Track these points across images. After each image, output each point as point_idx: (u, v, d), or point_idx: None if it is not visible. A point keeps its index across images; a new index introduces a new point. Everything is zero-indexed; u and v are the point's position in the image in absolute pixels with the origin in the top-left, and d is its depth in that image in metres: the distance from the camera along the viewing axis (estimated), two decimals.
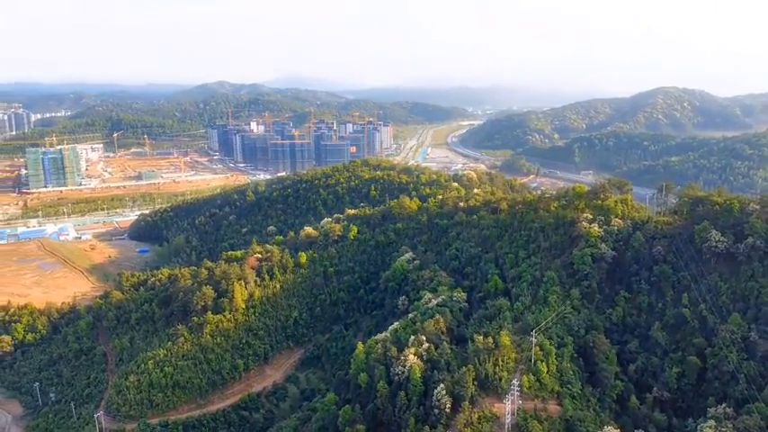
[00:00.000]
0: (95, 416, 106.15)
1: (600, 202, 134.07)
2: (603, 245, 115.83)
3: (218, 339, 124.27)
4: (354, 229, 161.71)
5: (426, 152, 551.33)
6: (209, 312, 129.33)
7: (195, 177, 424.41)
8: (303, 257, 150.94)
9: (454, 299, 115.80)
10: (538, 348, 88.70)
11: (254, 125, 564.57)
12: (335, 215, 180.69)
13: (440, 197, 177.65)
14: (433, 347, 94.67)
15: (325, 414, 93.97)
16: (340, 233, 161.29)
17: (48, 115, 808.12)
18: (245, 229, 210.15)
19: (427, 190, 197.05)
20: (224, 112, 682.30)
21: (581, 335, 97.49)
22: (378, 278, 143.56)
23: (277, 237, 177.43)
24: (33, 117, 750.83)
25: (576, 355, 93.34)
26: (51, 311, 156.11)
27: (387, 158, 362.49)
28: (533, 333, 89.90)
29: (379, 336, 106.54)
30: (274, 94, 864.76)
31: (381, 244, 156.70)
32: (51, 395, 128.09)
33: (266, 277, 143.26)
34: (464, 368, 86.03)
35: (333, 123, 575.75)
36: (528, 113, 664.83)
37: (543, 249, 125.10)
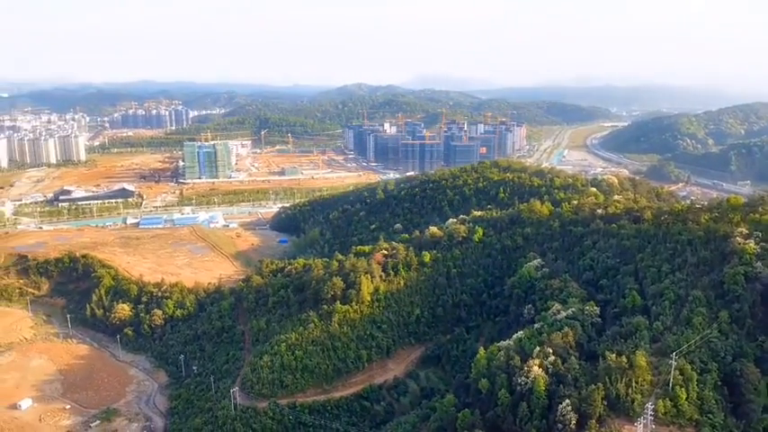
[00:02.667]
0: (231, 391, 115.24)
1: (758, 216, 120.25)
2: (759, 263, 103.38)
3: (345, 329, 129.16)
4: (480, 231, 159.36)
5: (562, 154, 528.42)
6: (338, 302, 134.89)
7: (331, 175, 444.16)
8: (427, 257, 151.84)
9: (586, 312, 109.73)
10: (677, 372, 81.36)
11: (387, 125, 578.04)
12: (461, 216, 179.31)
13: (575, 202, 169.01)
14: (559, 361, 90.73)
15: (444, 415, 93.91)
16: (465, 235, 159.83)
17: (204, 112, 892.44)
18: (373, 226, 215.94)
19: (561, 194, 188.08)
20: (360, 113, 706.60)
21: (727, 362, 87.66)
22: (502, 284, 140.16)
23: (403, 234, 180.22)
24: (191, 114, 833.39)
25: (720, 383, 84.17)
26: (199, 291, 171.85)
27: (518, 160, 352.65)
28: (673, 356, 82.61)
29: (503, 343, 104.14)
30: (408, 95, 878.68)
31: (508, 248, 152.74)
32: (194, 368, 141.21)
33: (391, 273, 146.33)
34: (593, 386, 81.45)
35: (464, 124, 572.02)
36: (679, 116, 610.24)
37: (690, 265, 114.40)
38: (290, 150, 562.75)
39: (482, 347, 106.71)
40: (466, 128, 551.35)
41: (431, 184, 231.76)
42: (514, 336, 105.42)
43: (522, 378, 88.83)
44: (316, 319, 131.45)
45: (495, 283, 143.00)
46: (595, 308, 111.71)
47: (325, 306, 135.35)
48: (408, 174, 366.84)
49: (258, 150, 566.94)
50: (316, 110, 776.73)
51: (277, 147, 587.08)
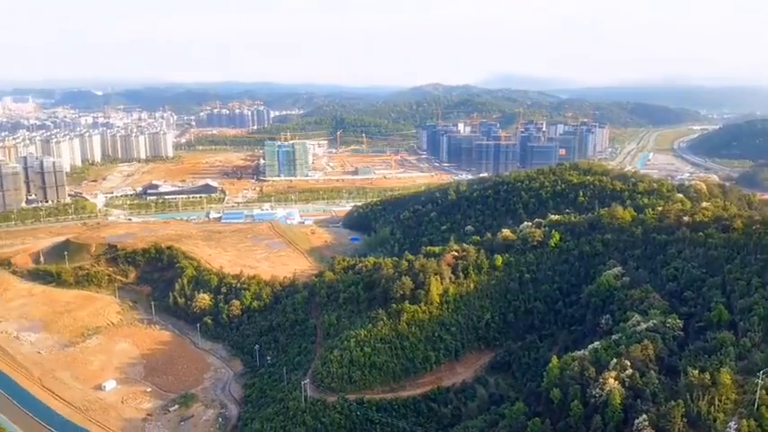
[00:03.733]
0: (302, 383, 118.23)
1: None
2: None
3: (413, 329, 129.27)
4: (556, 235, 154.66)
5: (647, 158, 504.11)
6: (407, 302, 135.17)
7: (403, 175, 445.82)
8: (499, 260, 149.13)
9: (667, 325, 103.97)
10: (764, 392, 75.63)
11: (461, 126, 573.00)
12: (536, 220, 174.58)
13: (659, 209, 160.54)
14: (637, 374, 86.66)
15: (513, 422, 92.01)
16: (540, 239, 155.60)
17: (284, 112, 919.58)
18: (444, 227, 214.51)
19: (645, 200, 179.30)
20: (435, 113, 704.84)
21: None
22: (579, 291, 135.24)
23: (474, 236, 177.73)
24: (272, 114, 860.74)
25: None
26: (275, 284, 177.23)
27: (599, 162, 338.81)
28: (760, 374, 76.86)
29: (577, 353, 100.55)
30: (484, 95, 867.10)
31: (586, 255, 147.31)
32: (268, 358, 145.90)
33: (461, 275, 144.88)
34: (672, 402, 77.25)
35: (542, 124, 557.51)
36: None
37: None
38: (364, 150, 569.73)
39: (555, 356, 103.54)
40: (544, 128, 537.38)
41: (505, 186, 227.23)
42: (590, 346, 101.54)
43: (597, 390, 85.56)
44: (384, 318, 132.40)
45: (572, 291, 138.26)
46: (678, 321, 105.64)
47: (393, 305, 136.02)
48: (482, 175, 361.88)
49: (334, 150, 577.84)
50: (390, 110, 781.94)
51: (352, 147, 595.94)
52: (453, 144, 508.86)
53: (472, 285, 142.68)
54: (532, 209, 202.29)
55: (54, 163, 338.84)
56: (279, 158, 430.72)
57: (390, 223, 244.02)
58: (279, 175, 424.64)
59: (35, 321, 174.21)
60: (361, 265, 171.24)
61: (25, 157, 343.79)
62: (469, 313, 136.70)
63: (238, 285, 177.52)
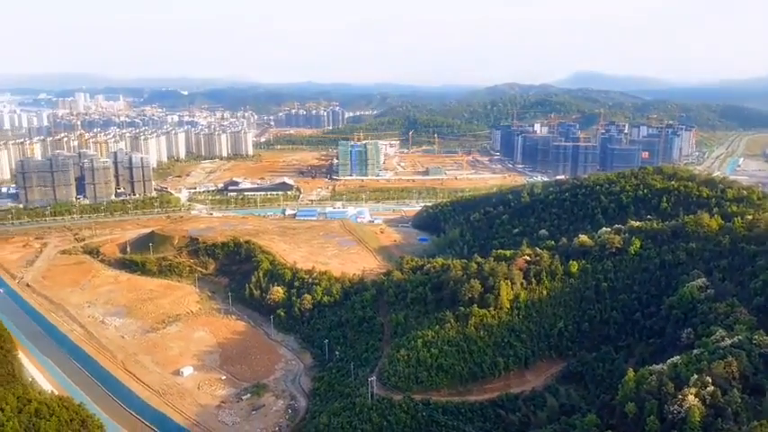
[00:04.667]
0: (369, 380, 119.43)
1: None
2: None
3: (482, 333, 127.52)
4: (637, 242, 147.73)
5: (736, 163, 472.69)
6: (476, 305, 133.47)
7: (475, 176, 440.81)
8: (574, 266, 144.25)
9: (754, 342, 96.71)
10: None
11: (537, 126, 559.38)
12: (615, 225, 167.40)
13: (749, 217, 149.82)
14: (719, 392, 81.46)
15: None
16: (619, 245, 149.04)
17: (358, 113, 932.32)
18: (516, 230, 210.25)
19: (733, 207, 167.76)
20: (509, 114, 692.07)
21: None
22: (659, 302, 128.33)
23: (548, 241, 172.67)
24: (347, 114, 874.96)
25: None
26: (344, 280, 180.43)
27: (685, 167, 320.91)
28: None
29: (655, 367, 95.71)
30: (563, 95, 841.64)
31: (668, 264, 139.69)
32: (336, 353, 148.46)
33: (533, 281, 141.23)
34: (756, 422, 72.28)
35: (624, 126, 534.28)
36: None
37: None
38: (436, 151, 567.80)
39: (631, 369, 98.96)
40: (626, 130, 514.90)
41: (583, 189, 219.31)
42: (669, 360, 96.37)
43: (675, 406, 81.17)
44: (452, 320, 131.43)
45: (651, 302, 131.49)
46: (766, 337, 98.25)
47: (462, 308, 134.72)
48: (558, 177, 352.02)
49: (405, 150, 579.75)
50: (463, 110, 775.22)
51: (423, 147, 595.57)
52: (528, 145, 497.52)
53: (545, 292, 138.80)
54: (612, 214, 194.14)
55: (142, 159, 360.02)
56: (351, 158, 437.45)
57: (460, 224, 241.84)
58: (351, 175, 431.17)
59: (120, 307, 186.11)
60: (429, 265, 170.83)
61: (115, 153, 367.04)
62: (541, 320, 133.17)
63: (310, 280, 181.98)
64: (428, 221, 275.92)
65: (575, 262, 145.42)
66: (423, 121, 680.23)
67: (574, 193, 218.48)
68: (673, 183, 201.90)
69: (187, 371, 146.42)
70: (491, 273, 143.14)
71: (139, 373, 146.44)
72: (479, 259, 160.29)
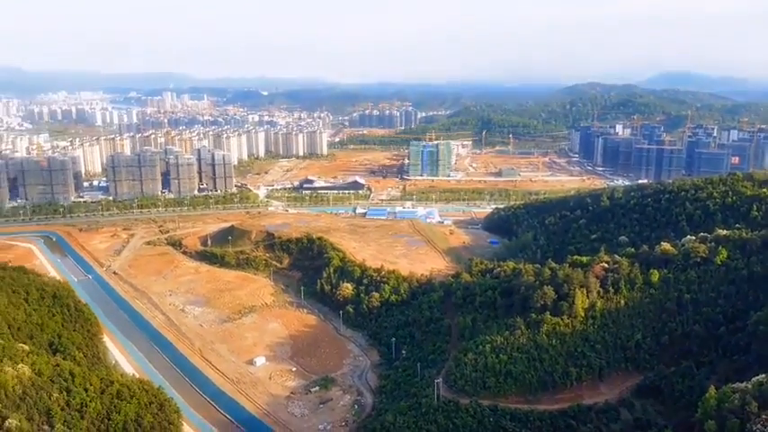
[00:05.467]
0: (435, 381, 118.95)
1: None
2: None
3: (554, 341, 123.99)
4: (723, 252, 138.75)
5: None
6: (548, 313, 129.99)
7: (551, 178, 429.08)
8: (655, 276, 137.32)
9: None
10: None
11: (619, 128, 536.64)
12: (701, 234, 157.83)
13: None
14: None
15: None
16: (704, 255, 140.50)
17: (431, 113, 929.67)
18: (593, 236, 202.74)
19: None
20: (590, 114, 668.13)
21: None
22: (746, 317, 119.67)
23: (628, 248, 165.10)
24: (420, 114, 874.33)
25: None
26: (412, 280, 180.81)
27: None
28: None
29: (739, 385, 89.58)
30: (647, 95, 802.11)
31: (757, 276, 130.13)
32: (403, 352, 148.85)
33: (610, 289, 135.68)
34: None
35: (713, 129, 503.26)
36: None
37: None
38: (510, 151, 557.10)
39: (713, 386, 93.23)
40: (715, 133, 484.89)
41: (667, 195, 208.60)
42: (754, 379, 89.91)
43: (759, 426, 75.98)
44: (523, 327, 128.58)
45: (737, 316, 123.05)
46: None
47: (533, 314, 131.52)
48: (640, 181, 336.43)
49: (478, 151, 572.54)
50: (540, 110, 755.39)
51: (497, 147, 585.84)
52: (609, 147, 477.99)
53: (623, 301, 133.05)
54: (697, 222, 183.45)
55: (224, 156, 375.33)
56: (422, 158, 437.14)
57: (534, 228, 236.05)
58: (422, 175, 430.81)
59: (199, 297, 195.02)
60: (499, 269, 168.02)
61: (199, 150, 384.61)
62: (618, 331, 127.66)
63: (378, 278, 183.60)
64: (499, 224, 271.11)
65: (656, 271, 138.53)
66: (497, 120, 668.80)
67: (657, 199, 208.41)
68: (764, 190, 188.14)
69: (260, 361, 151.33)
70: (566, 279, 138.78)
71: (215, 360, 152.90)
72: (553, 265, 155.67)
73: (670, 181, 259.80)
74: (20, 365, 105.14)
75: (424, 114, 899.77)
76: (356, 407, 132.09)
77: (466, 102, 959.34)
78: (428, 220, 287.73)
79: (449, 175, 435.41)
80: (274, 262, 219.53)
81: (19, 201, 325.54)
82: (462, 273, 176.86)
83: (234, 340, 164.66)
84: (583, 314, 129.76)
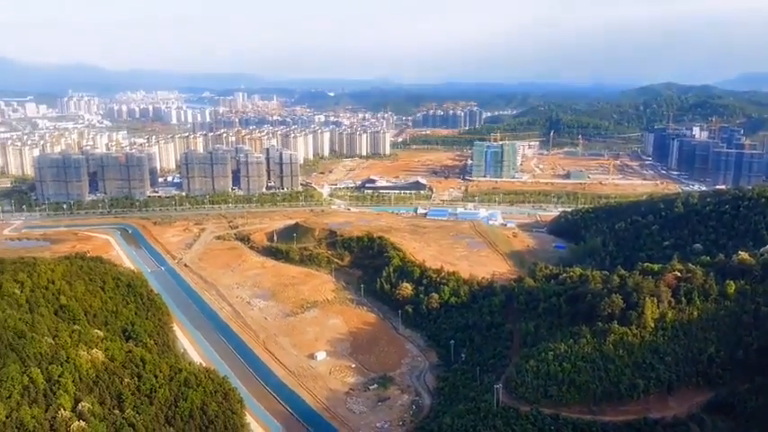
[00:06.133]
0: (495, 387, 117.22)
1: None
2: None
3: (621, 352, 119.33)
4: None
5: None
6: (615, 322, 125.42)
7: (622, 181, 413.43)
8: (731, 287, 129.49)
9: None
10: None
11: (696, 130, 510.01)
12: None
13: None
14: None
15: None
16: None
17: (496, 113, 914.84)
18: (666, 243, 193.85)
19: None
20: (665, 115, 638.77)
21: None
22: None
23: (703, 257, 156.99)
24: (484, 114, 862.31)
25: None
26: (473, 283, 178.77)
27: None
28: None
29: None
30: (727, 97, 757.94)
31: None
32: (462, 355, 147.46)
33: (683, 300, 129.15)
34: None
35: None
36: None
37: None
38: (579, 153, 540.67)
39: None
40: None
41: (746, 202, 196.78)
42: None
43: None
44: (588, 335, 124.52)
45: None
46: None
47: (599, 323, 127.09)
48: (718, 187, 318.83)
49: (545, 152, 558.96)
50: (612, 111, 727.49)
51: (565, 149, 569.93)
52: (685, 150, 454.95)
53: (696, 313, 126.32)
54: None
55: (291, 155, 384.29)
56: (486, 159, 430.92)
57: (602, 233, 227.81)
58: (485, 176, 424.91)
59: (265, 291, 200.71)
60: (565, 275, 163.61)
61: (268, 149, 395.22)
62: (689, 344, 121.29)
63: (438, 280, 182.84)
64: (566, 228, 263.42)
65: (732, 282, 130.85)
66: (566, 121, 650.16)
67: (735, 206, 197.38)
68: None
69: (320, 355, 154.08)
70: (635, 288, 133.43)
71: (278, 353, 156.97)
72: (623, 272, 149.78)
73: (750, 187, 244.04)
74: (94, 350, 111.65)
75: (489, 114, 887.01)
76: (414, 407, 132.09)
77: (533, 101, 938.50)
78: (491, 222, 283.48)
79: (513, 177, 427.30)
80: (336, 259, 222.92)
81: (98, 194, 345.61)
82: (525, 277, 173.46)
83: (296, 334, 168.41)
84: (652, 325, 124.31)
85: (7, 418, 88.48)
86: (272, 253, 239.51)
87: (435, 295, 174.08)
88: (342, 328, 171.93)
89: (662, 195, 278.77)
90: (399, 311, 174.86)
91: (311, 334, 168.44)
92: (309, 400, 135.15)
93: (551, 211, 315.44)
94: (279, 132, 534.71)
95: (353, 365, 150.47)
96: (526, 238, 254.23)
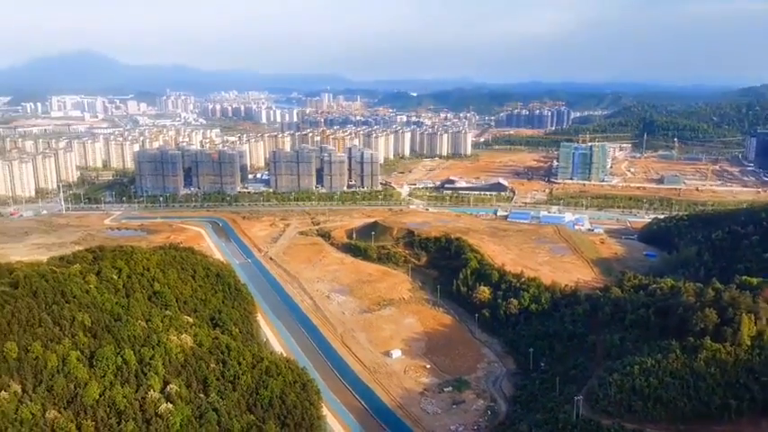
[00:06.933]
0: (575, 398, 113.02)
1: None
2: None
3: (713, 369, 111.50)
4: None
5: None
6: (708, 338, 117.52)
7: (720, 188, 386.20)
8: None
9: None
10: None
11: None
12: None
13: None
14: None
15: None
16: None
17: (585, 113, 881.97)
18: (767, 255, 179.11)
19: None
20: None
21: None
22: None
23: None
24: (573, 114, 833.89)
25: None
26: (555, 290, 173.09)
27: None
28: None
29: None
30: None
31: None
32: (541, 364, 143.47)
33: None
34: None
35: None
36: None
37: None
38: (674, 157, 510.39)
39: None
40: None
41: None
42: None
43: None
44: (678, 351, 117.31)
45: None
46: None
47: (691, 338, 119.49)
48: None
49: (637, 155, 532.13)
50: (712, 113, 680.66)
51: (659, 152, 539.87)
52: None
53: None
54: None
55: (372, 155, 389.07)
56: (573, 161, 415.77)
57: (698, 243, 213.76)
58: (571, 178, 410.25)
59: (343, 286, 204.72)
60: (655, 286, 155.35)
61: (350, 149, 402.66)
62: None
63: (518, 285, 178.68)
64: (658, 235, 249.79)
65: None
66: (660, 122, 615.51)
67: None
68: None
69: (396, 353, 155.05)
70: (731, 302, 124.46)
71: (355, 348, 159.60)
72: (718, 285, 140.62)
73: None
74: (183, 335, 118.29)
75: (577, 114, 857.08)
76: (489, 413, 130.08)
77: (626, 102, 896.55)
78: (576, 227, 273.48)
79: (603, 180, 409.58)
80: (413, 259, 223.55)
81: (192, 188, 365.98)
82: (612, 286, 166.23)
83: (372, 330, 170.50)
84: (749, 343, 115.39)
85: (101, 396, 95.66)
86: (351, 250, 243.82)
87: (514, 301, 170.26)
88: (417, 328, 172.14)
89: (764, 204, 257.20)
90: (476, 315, 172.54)
91: (387, 331, 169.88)
92: (384, 397, 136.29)
93: (642, 218, 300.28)
94: (361, 132, 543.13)
95: (428, 366, 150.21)
96: (614, 245, 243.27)
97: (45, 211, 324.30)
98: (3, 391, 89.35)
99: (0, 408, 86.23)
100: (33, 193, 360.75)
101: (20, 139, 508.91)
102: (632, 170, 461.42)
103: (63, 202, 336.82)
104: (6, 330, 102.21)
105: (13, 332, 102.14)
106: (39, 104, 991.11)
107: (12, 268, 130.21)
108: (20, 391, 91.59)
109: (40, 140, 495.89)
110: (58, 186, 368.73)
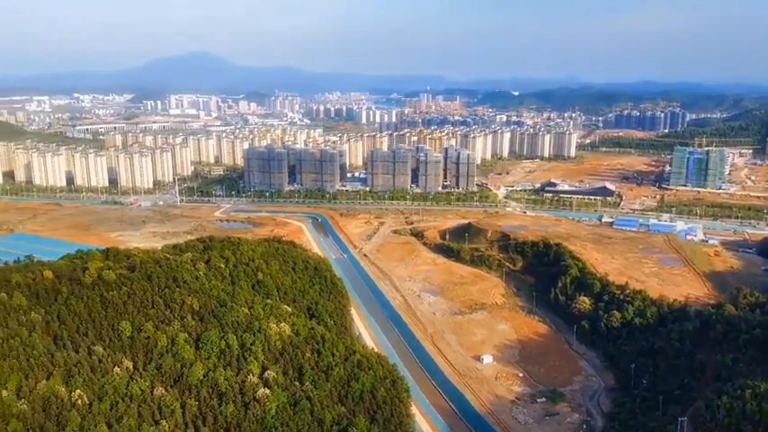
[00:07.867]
0: (680, 419, 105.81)
1: None
2: None
3: None
4: None
5: None
6: None
7: None
8: None
9: None
10: None
11: None
12: None
13: None
14: None
15: None
16: None
17: (702, 116, 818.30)
18: None
19: None
20: None
21: None
22: None
23: None
24: (688, 117, 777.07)
25: None
26: (662, 304, 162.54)
27: None
28: None
29: None
30: None
31: None
32: (644, 381, 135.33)
33: None
34: None
35: None
36: None
37: None
38: None
39: None
40: None
41: None
42: None
43: None
44: None
45: None
46: None
47: None
48: None
49: (759, 162, 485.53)
50: None
51: None
52: None
53: None
54: None
55: (468, 155, 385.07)
56: (688, 166, 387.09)
57: None
58: (685, 185, 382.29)
59: (434, 287, 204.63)
60: None
61: (446, 149, 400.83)
62: None
63: (621, 297, 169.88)
64: None
65: None
66: None
67: None
68: None
69: (487, 359, 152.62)
70: None
71: (445, 349, 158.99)
72: None
73: None
74: (282, 324, 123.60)
75: (693, 117, 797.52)
76: (584, 427, 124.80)
77: (747, 104, 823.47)
78: (688, 237, 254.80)
79: (719, 188, 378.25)
80: (507, 263, 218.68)
81: (295, 185, 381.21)
82: (726, 303, 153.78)
83: (463, 333, 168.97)
84: None
85: (204, 377, 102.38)
86: (443, 250, 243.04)
87: (617, 313, 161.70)
88: (510, 335, 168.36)
89: None
90: (574, 326, 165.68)
91: (479, 336, 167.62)
92: (474, 402, 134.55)
93: (762, 230, 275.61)
94: (459, 132, 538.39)
95: (521, 374, 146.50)
96: (730, 258, 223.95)
97: (161, 202, 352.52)
98: (116, 367, 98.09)
99: (113, 383, 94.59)
100: (151, 185, 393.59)
101: (141, 135, 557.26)
102: (753, 178, 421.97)
103: (178, 195, 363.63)
104: (122, 310, 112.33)
105: (128, 312, 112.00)
106: (158, 102, 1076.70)
107: (130, 254, 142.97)
108: (131, 367, 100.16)
109: (159, 136, 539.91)
110: (174, 179, 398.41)
